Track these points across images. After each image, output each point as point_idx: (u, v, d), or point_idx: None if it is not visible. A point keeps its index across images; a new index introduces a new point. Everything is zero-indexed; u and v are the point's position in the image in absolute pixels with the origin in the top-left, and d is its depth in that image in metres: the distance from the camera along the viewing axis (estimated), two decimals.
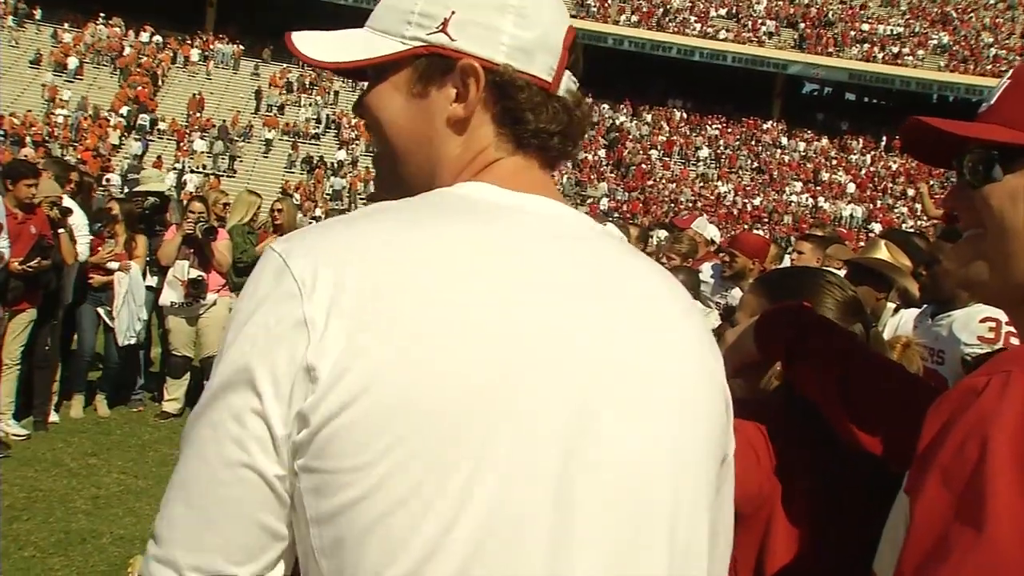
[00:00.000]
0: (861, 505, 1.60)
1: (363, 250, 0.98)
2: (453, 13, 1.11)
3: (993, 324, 3.92)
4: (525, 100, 1.12)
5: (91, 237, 7.93)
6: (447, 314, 0.95)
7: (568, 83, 1.18)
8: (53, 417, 7.68)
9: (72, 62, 42.76)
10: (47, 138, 36.86)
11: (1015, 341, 4.11)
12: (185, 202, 8.81)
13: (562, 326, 1.01)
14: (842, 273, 4.77)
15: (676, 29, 49.13)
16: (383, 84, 1.16)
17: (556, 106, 1.14)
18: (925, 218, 21.19)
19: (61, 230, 7.39)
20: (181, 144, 40.37)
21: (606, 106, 48.60)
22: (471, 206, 1.07)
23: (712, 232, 7.65)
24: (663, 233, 8.56)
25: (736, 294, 5.68)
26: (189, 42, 46.72)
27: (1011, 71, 1.24)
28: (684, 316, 1.15)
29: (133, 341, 8.16)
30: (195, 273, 8.03)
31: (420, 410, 0.91)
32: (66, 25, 45.23)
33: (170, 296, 8.14)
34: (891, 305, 4.92)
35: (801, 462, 1.64)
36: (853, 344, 1.68)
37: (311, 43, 1.22)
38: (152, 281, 8.41)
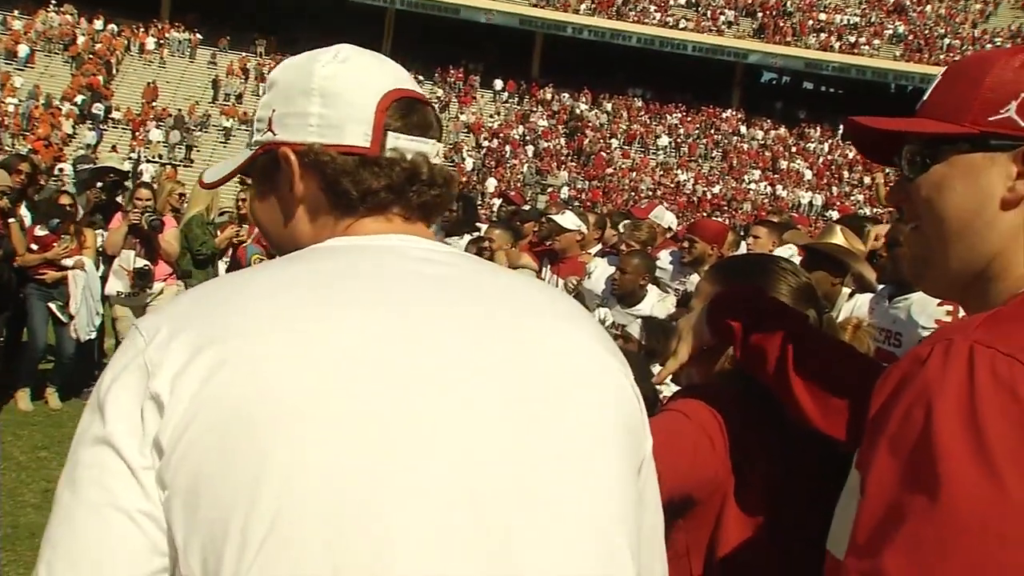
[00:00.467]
0: (815, 487, 1.59)
1: (201, 298, 1.12)
2: (274, 111, 1.27)
3: (951, 308, 3.93)
4: (333, 172, 1.23)
5: (46, 233, 7.80)
6: (272, 336, 1.03)
7: (395, 141, 1.24)
8: (24, 405, 7.68)
9: (23, 50, 42.07)
10: None
11: None
12: (128, 196, 8.71)
13: (403, 340, 1.06)
14: (798, 259, 4.78)
15: (636, 18, 49.26)
16: (252, 190, 1.35)
17: (375, 168, 1.23)
18: (880, 206, 21.43)
19: (11, 219, 7.27)
20: (136, 134, 39.93)
21: (566, 95, 48.71)
22: (311, 252, 1.21)
23: (669, 220, 7.67)
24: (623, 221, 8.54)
25: (695, 279, 5.68)
26: (144, 30, 46.12)
27: (946, 67, 1.28)
28: (569, 319, 1.21)
29: (94, 335, 8.13)
30: (141, 263, 7.92)
31: (244, 419, 0.98)
32: (16, 12, 44.41)
33: (116, 286, 8.03)
34: (847, 290, 4.94)
35: (756, 445, 1.64)
36: (806, 327, 1.68)
37: (212, 171, 1.43)
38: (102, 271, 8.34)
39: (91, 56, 43.19)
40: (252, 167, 1.31)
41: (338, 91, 1.24)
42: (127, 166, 31.08)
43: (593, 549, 1.05)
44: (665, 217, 7.54)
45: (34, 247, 7.58)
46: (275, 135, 1.26)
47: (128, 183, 9.34)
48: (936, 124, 1.19)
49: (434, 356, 1.05)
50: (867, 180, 41.88)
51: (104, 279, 8.26)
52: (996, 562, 0.92)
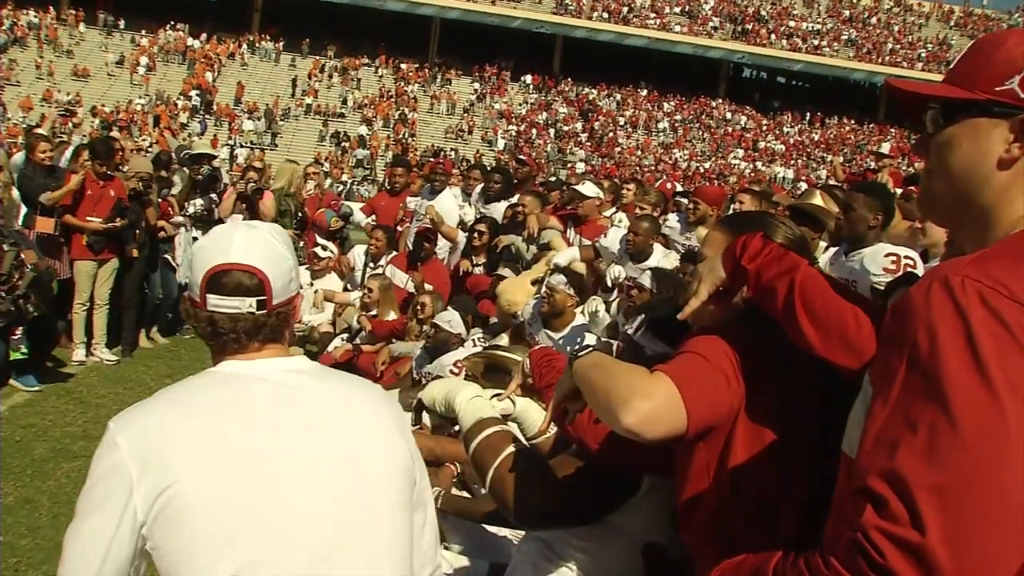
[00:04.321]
0: (811, 410, 1.56)
1: (148, 425, 1.45)
2: None
3: (895, 258, 3.92)
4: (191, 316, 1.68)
5: (160, 200, 7.89)
6: (192, 453, 1.39)
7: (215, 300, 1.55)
8: (145, 343, 7.90)
9: (144, 60, 42.79)
10: (129, 123, 36.62)
11: (911, 270, 4.11)
12: (241, 172, 8.84)
13: (272, 442, 1.45)
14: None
15: (639, 24, 48.44)
16: None
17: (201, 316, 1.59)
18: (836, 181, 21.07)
19: (149, 195, 7.46)
20: (232, 124, 39.96)
21: (582, 87, 48.13)
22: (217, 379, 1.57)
23: (594, 190, 6.89)
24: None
25: (701, 233, 5.52)
26: (238, 42, 46.06)
27: (974, 40, 1.25)
28: (372, 407, 1.60)
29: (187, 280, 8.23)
30: None
31: (188, 513, 1.36)
32: (143, 32, 44.96)
33: None
34: (823, 244, 4.87)
35: (764, 376, 1.58)
36: (807, 269, 1.60)
37: None
38: (198, 233, 8.50)
39: (202, 60, 43.66)
40: None
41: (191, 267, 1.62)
42: (224, 151, 31.18)
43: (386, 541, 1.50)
44: (589, 187, 6.94)
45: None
46: None
47: (216, 163, 9.39)
48: (952, 90, 1.17)
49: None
50: (829, 157, 41.27)
51: None
52: (992, 457, 0.92)
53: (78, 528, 1.39)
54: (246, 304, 1.53)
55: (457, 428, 2.21)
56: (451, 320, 5.18)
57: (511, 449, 2.03)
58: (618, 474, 1.99)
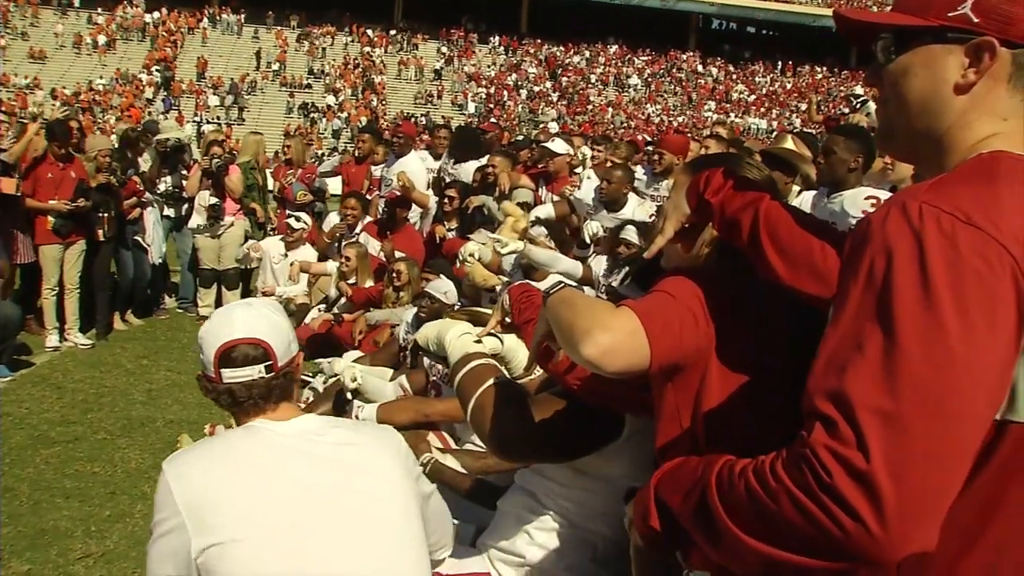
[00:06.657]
0: (783, 351, 1.54)
1: (197, 473, 1.68)
2: None
3: (875, 200, 3.98)
4: None
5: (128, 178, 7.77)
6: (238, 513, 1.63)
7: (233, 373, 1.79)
8: (119, 325, 7.79)
9: (102, 39, 41.89)
10: (91, 104, 35.92)
11: None
12: (205, 148, 8.67)
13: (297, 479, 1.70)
14: None
15: None
16: None
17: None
18: (813, 126, 21.11)
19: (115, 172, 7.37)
20: (198, 101, 39.35)
21: (551, 46, 47.68)
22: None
23: (564, 147, 6.98)
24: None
25: (667, 185, 5.51)
26: (198, 16, 45.15)
27: None
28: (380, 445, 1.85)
29: (160, 261, 8.29)
30: (213, 200, 8.05)
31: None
32: (99, 10, 43.89)
33: (196, 220, 8.22)
34: (796, 188, 4.88)
35: (734, 317, 1.55)
36: (771, 200, 1.58)
37: None
38: (170, 212, 8.48)
39: (163, 35, 42.85)
40: None
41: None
42: (189, 128, 30.74)
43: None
44: (559, 144, 6.93)
45: None
46: None
47: (188, 141, 9.21)
48: (904, 17, 1.16)
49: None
50: (802, 106, 41.25)
51: (172, 219, 8.45)
52: (937, 383, 0.94)
53: None
54: (256, 371, 1.76)
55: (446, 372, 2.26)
56: (447, 291, 5.12)
57: (493, 380, 2.07)
58: (598, 415, 2.00)
